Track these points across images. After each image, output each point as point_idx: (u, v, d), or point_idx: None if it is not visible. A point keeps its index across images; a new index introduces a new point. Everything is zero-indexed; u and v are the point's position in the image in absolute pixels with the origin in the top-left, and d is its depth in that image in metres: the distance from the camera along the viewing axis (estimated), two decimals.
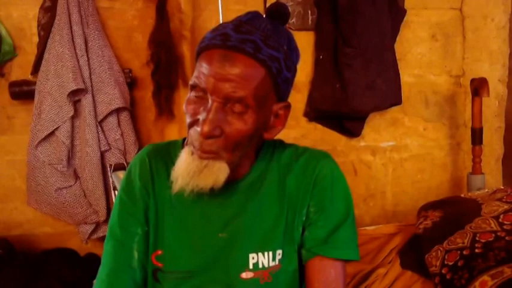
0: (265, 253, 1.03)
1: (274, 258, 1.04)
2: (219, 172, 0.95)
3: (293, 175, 1.06)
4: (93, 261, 2.00)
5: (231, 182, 1.00)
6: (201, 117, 0.92)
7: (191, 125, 0.95)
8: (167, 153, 1.09)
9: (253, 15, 0.97)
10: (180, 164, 0.97)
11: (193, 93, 0.95)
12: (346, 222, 1.05)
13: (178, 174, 0.96)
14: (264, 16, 0.99)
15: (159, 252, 1.05)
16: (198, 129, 0.92)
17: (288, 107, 1.02)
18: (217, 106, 0.91)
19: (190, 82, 0.95)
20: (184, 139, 1.07)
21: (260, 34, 0.93)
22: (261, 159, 1.07)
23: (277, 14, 0.98)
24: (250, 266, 1.03)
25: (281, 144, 1.12)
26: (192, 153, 0.95)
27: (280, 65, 0.94)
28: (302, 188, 1.05)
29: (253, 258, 1.03)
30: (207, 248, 1.04)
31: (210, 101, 0.91)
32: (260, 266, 1.03)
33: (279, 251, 1.04)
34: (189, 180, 0.95)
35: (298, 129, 2.38)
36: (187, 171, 0.95)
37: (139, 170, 1.08)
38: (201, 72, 0.92)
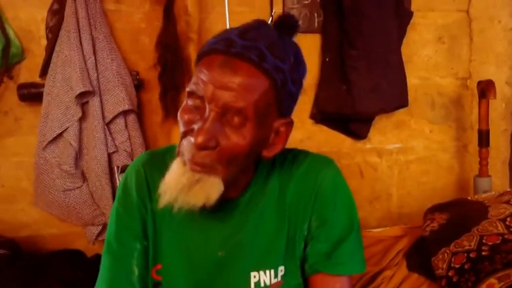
0: (267, 271, 1.00)
1: (276, 275, 1.00)
2: (211, 189, 0.88)
3: (293, 185, 1.01)
4: (100, 262, 2.01)
5: (229, 199, 0.96)
6: (196, 126, 0.86)
7: (185, 134, 0.89)
8: (163, 162, 0.99)
9: (260, 24, 0.92)
10: (170, 176, 0.90)
11: (190, 101, 0.88)
12: (351, 235, 1.01)
13: (167, 188, 0.89)
14: (272, 26, 0.94)
15: (159, 266, 1.02)
16: (192, 139, 0.85)
17: (290, 124, 0.95)
18: (214, 116, 0.84)
19: (188, 88, 0.88)
20: None
21: (266, 42, 0.87)
22: (260, 173, 1.01)
23: (285, 25, 0.92)
24: (252, 285, 0.99)
25: (281, 151, 1.06)
26: (185, 164, 0.88)
27: (285, 77, 0.88)
28: (302, 201, 1.00)
29: (254, 276, 0.99)
30: (206, 267, 1.00)
31: (207, 110, 0.85)
32: (262, 284, 0.99)
33: (281, 267, 1.00)
34: (177, 195, 0.88)
35: (303, 131, 2.38)
36: (177, 184, 0.88)
37: (135, 181, 1.02)
38: (200, 78, 0.86)
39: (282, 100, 0.90)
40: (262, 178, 1.02)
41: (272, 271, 1.00)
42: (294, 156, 1.05)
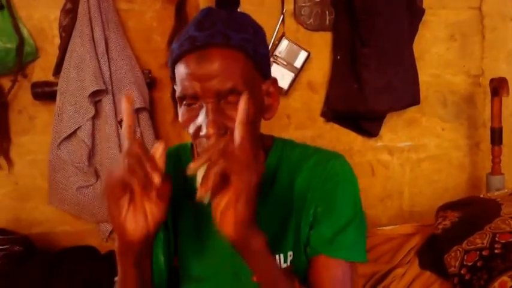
0: (277, 256, 1.02)
1: (286, 260, 1.03)
2: None
3: (303, 175, 1.03)
4: (113, 258, 2.02)
5: None
6: (201, 123, 0.89)
7: (195, 134, 0.92)
8: (177, 158, 1.07)
9: (207, 11, 0.95)
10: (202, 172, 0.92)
11: (184, 105, 0.93)
12: (353, 223, 1.02)
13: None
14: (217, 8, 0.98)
15: (176, 256, 1.06)
16: (203, 133, 0.89)
17: (275, 82, 1.01)
18: (212, 106, 0.89)
19: (177, 95, 0.92)
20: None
21: (223, 23, 0.91)
22: (270, 161, 1.05)
23: (226, 2, 0.97)
24: None
25: (291, 143, 1.10)
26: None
27: (254, 45, 0.93)
28: (311, 188, 1.02)
29: None
30: (218, 252, 1.03)
31: (204, 104, 0.90)
32: None
33: (290, 253, 1.03)
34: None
35: (314, 129, 2.38)
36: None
37: None
38: (183, 81, 0.90)
39: (260, 64, 0.95)
40: (272, 167, 1.04)
41: (282, 256, 1.02)
42: (304, 150, 1.08)
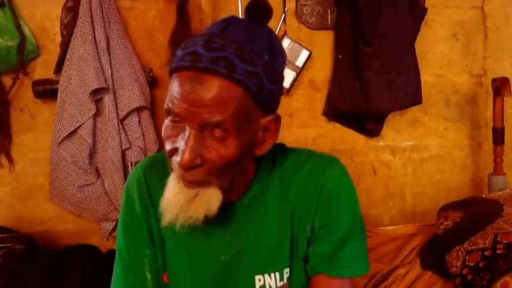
0: (272, 274, 0.99)
1: (282, 278, 1.00)
2: (210, 199, 0.87)
3: (296, 187, 0.98)
4: (114, 257, 2.03)
5: (229, 203, 0.95)
6: (179, 146, 0.84)
7: (172, 152, 0.87)
8: (163, 167, 1.01)
9: (227, 23, 0.87)
10: (167, 195, 0.89)
11: (169, 118, 0.87)
12: (353, 236, 0.99)
13: (167, 207, 0.89)
14: (243, 17, 0.90)
15: (166, 272, 1.04)
16: (178, 159, 0.84)
17: (277, 120, 0.92)
18: (195, 134, 0.83)
19: (165, 106, 0.86)
20: None
21: (234, 48, 0.83)
22: (260, 173, 0.99)
23: (256, 13, 0.88)
24: None
25: (283, 150, 1.03)
26: (179, 181, 0.87)
27: (260, 80, 0.84)
28: (306, 202, 0.98)
29: (259, 280, 0.99)
30: (211, 272, 1.00)
31: (187, 128, 0.83)
32: (267, 287, 0.99)
33: (286, 270, 1.00)
34: (177, 212, 0.87)
35: (317, 129, 2.38)
36: (176, 203, 0.87)
37: (137, 189, 1.03)
38: (173, 96, 0.84)
39: (262, 101, 0.86)
40: (263, 180, 1.00)
41: (277, 274, 0.99)
42: (297, 156, 1.02)
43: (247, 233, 0.98)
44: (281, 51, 0.92)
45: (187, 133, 0.83)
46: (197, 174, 0.85)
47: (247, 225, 0.99)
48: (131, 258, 1.03)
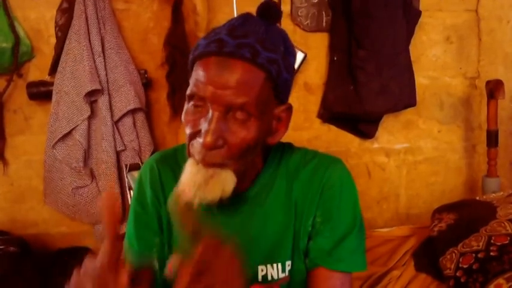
0: (274, 265, 1.01)
1: (284, 270, 1.02)
2: (225, 182, 0.90)
3: (300, 182, 1.02)
4: None
5: (237, 193, 0.96)
6: (202, 128, 0.88)
7: (192, 136, 0.90)
8: (174, 161, 1.05)
9: (245, 18, 0.93)
10: (185, 176, 0.92)
11: (191, 103, 0.90)
12: (353, 232, 1.02)
13: (185, 187, 0.91)
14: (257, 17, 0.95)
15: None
16: (201, 140, 0.87)
17: (289, 109, 0.98)
18: (218, 115, 0.87)
19: (188, 92, 0.90)
20: None
21: (256, 37, 0.89)
22: (267, 167, 1.03)
23: (269, 14, 0.93)
24: (259, 279, 1.01)
25: (290, 148, 1.08)
26: (198, 163, 0.90)
27: (279, 67, 0.90)
28: (309, 197, 1.01)
29: (262, 270, 1.01)
30: None
31: (210, 110, 0.87)
32: (269, 278, 1.01)
33: (288, 262, 1.02)
34: (195, 191, 0.89)
35: (311, 131, 2.38)
36: (193, 182, 0.90)
37: (149, 178, 1.06)
38: (198, 80, 0.88)
39: (279, 89, 0.92)
40: (270, 174, 1.03)
41: (280, 265, 1.01)
42: (302, 154, 1.06)
43: (252, 224, 1.01)
44: (292, 46, 0.98)
45: (210, 115, 0.87)
46: (217, 156, 0.88)
47: (253, 216, 1.01)
48: (141, 248, 1.05)
